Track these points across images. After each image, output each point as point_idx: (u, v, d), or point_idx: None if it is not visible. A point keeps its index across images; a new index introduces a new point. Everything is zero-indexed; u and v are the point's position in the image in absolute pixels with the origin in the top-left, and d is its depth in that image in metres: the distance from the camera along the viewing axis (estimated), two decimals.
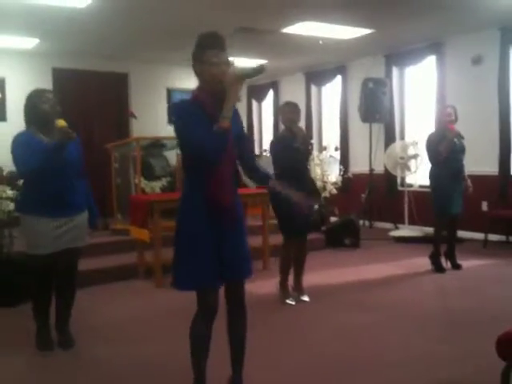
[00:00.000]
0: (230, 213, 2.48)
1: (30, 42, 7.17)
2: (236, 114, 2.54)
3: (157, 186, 6.65)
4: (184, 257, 2.47)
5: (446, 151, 5.26)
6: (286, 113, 4.48)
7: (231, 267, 2.49)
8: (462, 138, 5.47)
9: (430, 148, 5.43)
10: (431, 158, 5.48)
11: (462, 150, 5.45)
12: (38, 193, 3.34)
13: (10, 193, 4.67)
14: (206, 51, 2.41)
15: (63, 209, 3.38)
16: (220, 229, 2.45)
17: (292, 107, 4.49)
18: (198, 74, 2.46)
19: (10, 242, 4.73)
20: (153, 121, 8.60)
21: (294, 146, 4.37)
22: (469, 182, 5.51)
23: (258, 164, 2.79)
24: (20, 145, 3.31)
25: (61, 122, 3.25)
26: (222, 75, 2.36)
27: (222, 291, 2.56)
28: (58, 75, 8.02)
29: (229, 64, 2.42)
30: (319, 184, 7.70)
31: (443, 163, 5.32)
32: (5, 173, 6.92)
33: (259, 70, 2.35)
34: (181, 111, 2.46)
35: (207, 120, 2.35)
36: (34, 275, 3.48)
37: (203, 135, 2.32)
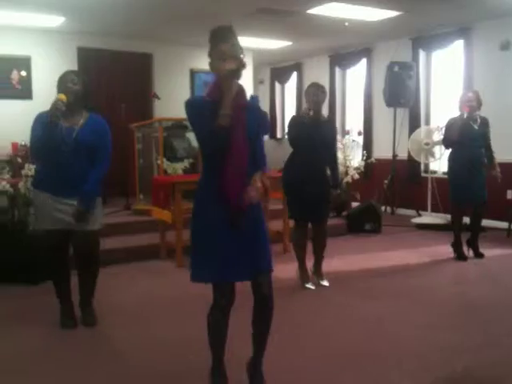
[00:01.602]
0: (237, 209, 2.42)
1: (56, 21, 7.18)
2: (254, 110, 2.52)
3: (179, 167, 6.66)
4: (199, 249, 2.49)
5: (455, 135, 5.19)
6: (310, 94, 4.42)
7: (249, 263, 2.47)
8: (486, 124, 5.34)
9: (445, 133, 5.46)
10: (443, 142, 5.55)
11: (481, 136, 5.30)
12: (43, 169, 3.49)
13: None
14: (214, 46, 2.43)
15: (65, 190, 3.40)
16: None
17: (318, 89, 4.42)
18: (210, 68, 2.48)
19: (36, 219, 4.81)
20: (176, 102, 8.49)
21: (307, 127, 4.31)
22: (498, 169, 5.38)
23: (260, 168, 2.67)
24: (33, 124, 3.42)
25: (60, 96, 3.29)
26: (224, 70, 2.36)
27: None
28: (83, 54, 8.03)
29: (237, 58, 2.39)
30: (341, 169, 7.64)
31: (457, 149, 5.27)
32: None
33: (242, 65, 2.36)
34: (191, 109, 2.45)
35: (214, 116, 2.33)
36: (45, 251, 3.61)
37: (206, 132, 2.35)
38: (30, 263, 4.57)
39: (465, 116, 5.22)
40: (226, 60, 2.37)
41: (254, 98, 2.67)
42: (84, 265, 3.63)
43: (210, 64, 2.47)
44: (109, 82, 8.29)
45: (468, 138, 5.21)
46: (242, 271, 2.47)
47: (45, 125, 3.28)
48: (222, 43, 2.40)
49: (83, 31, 7.77)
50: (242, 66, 2.37)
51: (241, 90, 2.47)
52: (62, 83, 3.42)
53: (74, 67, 7.42)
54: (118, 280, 4.75)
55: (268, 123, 2.79)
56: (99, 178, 3.52)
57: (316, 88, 4.41)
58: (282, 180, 4.55)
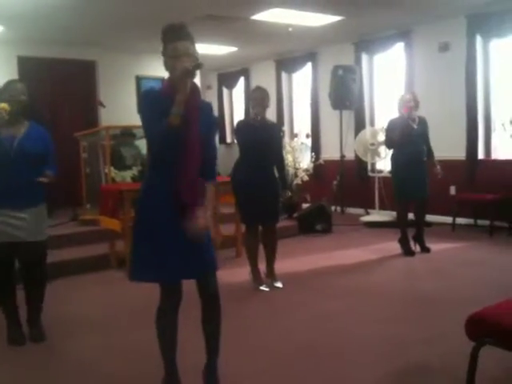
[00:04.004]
0: (190, 210, 2.39)
1: None
2: (206, 112, 2.50)
3: (127, 175, 6.56)
4: (142, 247, 2.44)
5: (397, 135, 5.37)
6: (257, 98, 4.45)
7: (195, 261, 2.45)
8: (424, 123, 5.53)
9: (386, 134, 5.66)
10: (385, 143, 5.75)
11: (421, 136, 5.48)
12: None
13: None
14: (167, 44, 2.41)
15: (9, 201, 3.30)
16: (180, 222, 2.40)
17: (263, 92, 4.47)
18: (164, 66, 2.46)
19: None
20: (122, 109, 8.46)
21: (257, 131, 4.35)
22: (439, 167, 5.55)
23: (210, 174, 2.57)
24: None
25: (2, 105, 3.22)
26: (179, 68, 2.34)
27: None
28: (24, 63, 7.80)
29: (191, 54, 2.39)
30: (291, 171, 7.73)
31: (399, 148, 5.46)
32: None
33: (198, 66, 2.34)
34: (145, 100, 2.46)
35: (166, 113, 2.30)
36: None
37: (155, 129, 2.31)
38: None
39: (405, 117, 5.40)
40: (180, 58, 2.35)
41: (208, 105, 2.63)
42: (31, 278, 3.52)
43: (165, 63, 2.44)
44: (51, 91, 8.09)
45: (408, 138, 5.38)
46: (185, 271, 2.45)
47: None
48: (174, 41, 2.38)
49: (23, 40, 7.56)
50: (198, 64, 2.34)
51: (195, 89, 2.44)
52: (6, 92, 3.33)
53: (15, 76, 7.19)
54: (69, 292, 4.63)
55: (216, 129, 2.83)
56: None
57: (261, 92, 4.47)
58: (232, 183, 4.56)
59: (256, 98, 4.44)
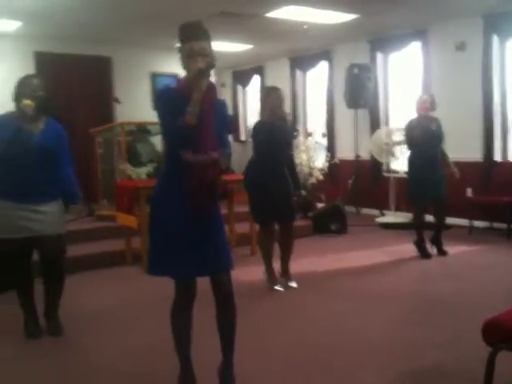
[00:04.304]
0: (205, 208, 2.45)
1: (13, 25, 7.01)
2: (219, 111, 2.52)
3: (143, 172, 6.60)
4: (158, 242, 2.47)
5: (418, 136, 5.36)
6: (275, 98, 4.43)
7: (210, 259, 2.47)
8: (439, 125, 5.52)
9: (406, 134, 5.64)
10: (406, 143, 5.77)
11: (438, 136, 5.48)
12: (3, 178, 3.34)
13: None
14: (184, 43, 2.42)
15: (28, 196, 3.33)
16: (195, 220, 2.44)
17: (278, 91, 4.46)
18: (181, 64, 2.47)
19: None
20: (137, 106, 8.50)
21: (273, 132, 4.31)
22: (455, 168, 5.54)
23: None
24: None
25: (27, 101, 3.24)
26: (193, 68, 2.35)
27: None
28: (41, 59, 7.86)
29: (207, 54, 2.39)
30: (305, 170, 7.71)
31: (417, 149, 5.44)
32: None
33: (210, 66, 2.35)
34: (161, 99, 2.47)
35: (182, 111, 2.32)
36: (3, 260, 3.47)
37: (172, 127, 2.33)
38: None
39: (423, 116, 5.38)
40: (195, 58, 2.36)
41: (223, 103, 2.65)
42: (50, 273, 3.55)
43: (181, 60, 2.45)
44: (67, 87, 8.12)
45: (427, 138, 5.36)
46: (200, 268, 2.46)
47: (8, 129, 3.21)
48: (190, 40, 2.39)
49: (40, 35, 7.61)
50: (212, 65, 2.35)
51: (211, 87, 2.45)
52: (26, 87, 3.34)
53: (31, 72, 7.24)
54: (85, 287, 4.65)
55: (231, 127, 2.79)
56: (74, 180, 3.55)
57: (277, 92, 4.45)
58: (244, 182, 4.56)
59: (276, 98, 4.41)
